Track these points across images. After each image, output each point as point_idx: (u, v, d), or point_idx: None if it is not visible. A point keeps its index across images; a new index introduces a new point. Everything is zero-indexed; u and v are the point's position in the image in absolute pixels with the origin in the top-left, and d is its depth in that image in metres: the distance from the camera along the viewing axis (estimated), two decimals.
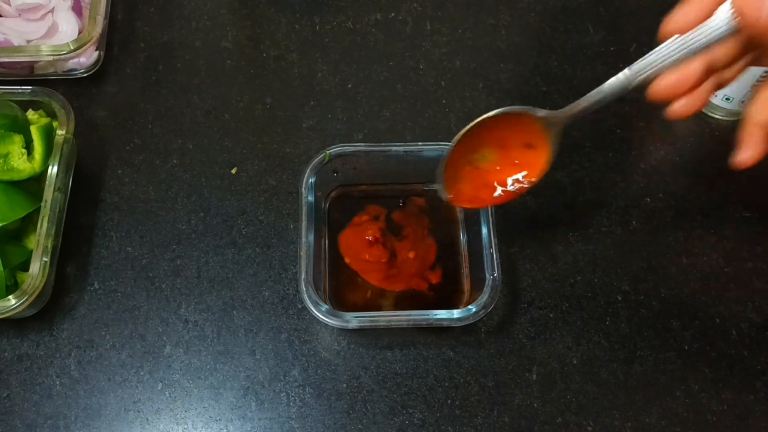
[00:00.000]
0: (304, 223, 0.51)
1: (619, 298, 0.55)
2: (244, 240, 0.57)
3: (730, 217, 0.58)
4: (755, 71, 0.56)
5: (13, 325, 0.53)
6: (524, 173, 0.47)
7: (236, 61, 0.65)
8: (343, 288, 0.54)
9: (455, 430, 0.51)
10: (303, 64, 0.65)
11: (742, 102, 0.60)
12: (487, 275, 0.50)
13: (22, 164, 0.53)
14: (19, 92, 0.56)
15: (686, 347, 0.53)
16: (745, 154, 0.39)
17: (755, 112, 0.38)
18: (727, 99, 0.60)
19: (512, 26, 0.67)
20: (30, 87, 0.56)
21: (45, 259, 0.50)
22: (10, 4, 0.62)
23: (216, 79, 0.64)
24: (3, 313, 0.49)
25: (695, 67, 0.39)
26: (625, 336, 0.54)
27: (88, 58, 0.62)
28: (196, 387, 0.52)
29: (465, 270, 0.55)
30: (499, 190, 0.48)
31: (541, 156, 0.46)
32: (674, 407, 0.51)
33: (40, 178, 0.54)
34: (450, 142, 0.55)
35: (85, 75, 0.63)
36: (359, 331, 0.54)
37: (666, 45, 0.39)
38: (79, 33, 0.62)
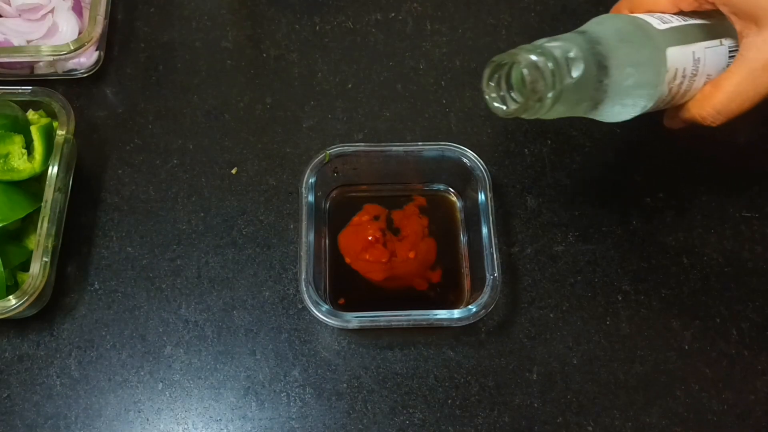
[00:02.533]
0: (304, 223, 0.52)
1: (619, 298, 0.55)
2: (244, 240, 0.57)
3: (730, 217, 0.58)
4: None
5: (14, 325, 0.54)
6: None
7: (236, 61, 0.65)
8: (343, 288, 0.54)
9: (455, 430, 0.51)
10: (303, 64, 0.65)
11: None
12: (487, 275, 0.50)
13: (22, 164, 0.53)
14: (19, 92, 0.56)
15: (686, 347, 0.53)
16: (670, 125, 0.50)
17: (690, 105, 0.47)
18: None
19: (512, 26, 0.67)
20: (30, 87, 0.56)
21: (45, 259, 0.50)
22: (10, 4, 0.62)
23: (216, 79, 0.64)
24: (3, 314, 0.49)
25: None
26: (625, 336, 0.54)
27: (88, 58, 0.62)
28: (197, 387, 0.52)
29: (465, 270, 0.55)
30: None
31: None
32: (674, 407, 0.51)
33: (40, 178, 0.54)
34: (450, 142, 0.55)
35: (85, 75, 0.63)
36: (359, 331, 0.54)
37: None
38: (79, 33, 0.62)
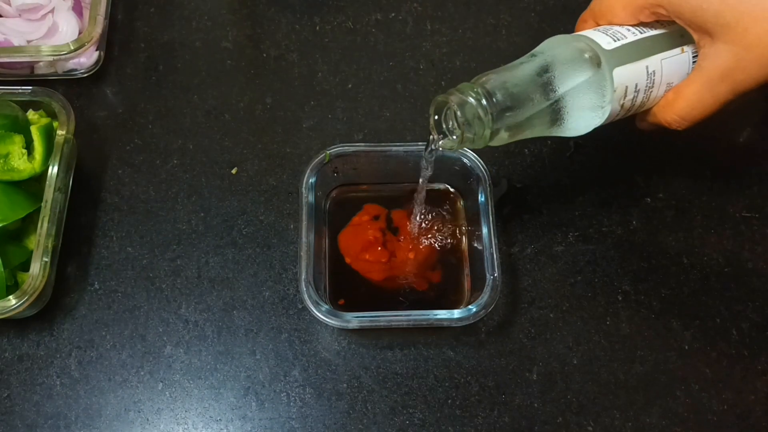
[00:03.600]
0: (304, 223, 0.52)
1: (619, 298, 0.55)
2: (245, 240, 0.57)
3: (730, 217, 0.58)
4: None
5: (14, 325, 0.54)
6: None
7: (236, 61, 0.65)
8: (343, 288, 0.54)
9: (455, 430, 0.51)
10: (303, 64, 0.65)
11: None
12: (487, 275, 0.50)
13: (22, 164, 0.53)
14: (19, 92, 0.56)
15: (686, 347, 0.53)
16: (641, 126, 0.51)
17: (656, 111, 0.48)
18: None
19: (512, 26, 0.67)
20: (30, 87, 0.56)
21: (45, 259, 0.50)
22: (10, 4, 0.62)
23: (216, 79, 0.64)
24: (3, 313, 0.49)
25: None
26: (625, 336, 0.54)
27: (88, 58, 0.62)
28: (197, 387, 0.52)
29: (465, 270, 0.55)
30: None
31: None
32: (674, 407, 0.51)
33: (40, 178, 0.54)
34: None
35: (86, 75, 0.63)
36: (359, 331, 0.54)
37: None
38: (79, 33, 0.62)
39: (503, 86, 0.43)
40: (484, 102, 0.42)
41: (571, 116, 0.45)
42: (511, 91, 0.43)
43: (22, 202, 0.52)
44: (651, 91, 0.46)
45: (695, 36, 0.44)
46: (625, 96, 0.45)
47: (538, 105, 0.43)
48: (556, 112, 0.44)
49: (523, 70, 0.44)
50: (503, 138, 0.44)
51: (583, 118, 0.45)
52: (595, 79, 0.44)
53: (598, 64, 0.44)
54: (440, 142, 0.46)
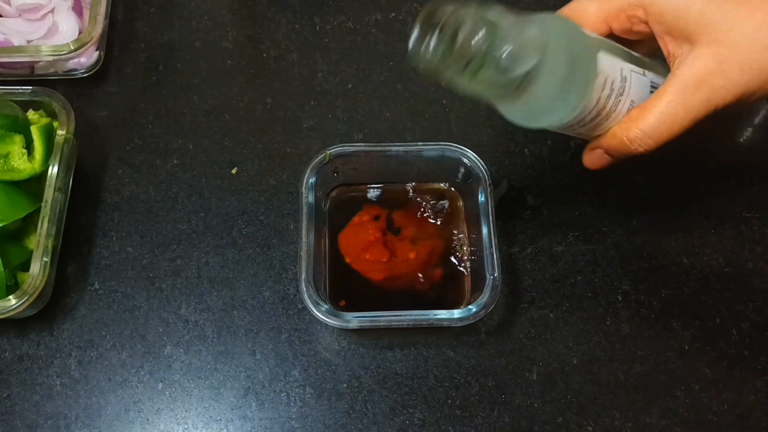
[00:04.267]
0: (304, 223, 0.52)
1: (619, 298, 0.55)
2: (245, 240, 0.57)
3: (730, 217, 0.58)
4: None
5: (14, 325, 0.54)
6: None
7: (236, 61, 0.65)
8: (343, 288, 0.54)
9: (455, 430, 0.51)
10: (303, 64, 0.65)
11: None
12: (487, 275, 0.50)
13: (22, 164, 0.53)
14: (19, 92, 0.56)
15: (686, 347, 0.53)
16: (588, 160, 0.49)
17: (616, 129, 0.44)
18: None
19: None
20: (30, 87, 0.56)
21: (45, 259, 0.50)
22: (10, 4, 0.62)
23: (216, 79, 0.64)
24: (3, 313, 0.49)
25: None
26: (625, 336, 0.54)
27: (88, 58, 0.62)
28: (197, 387, 0.52)
29: (465, 270, 0.55)
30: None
31: None
32: (674, 407, 0.51)
33: (40, 178, 0.54)
34: (450, 142, 0.55)
35: (86, 75, 0.63)
36: (359, 331, 0.54)
37: None
38: (80, 33, 0.62)
39: (505, 25, 0.40)
40: (482, 25, 0.39)
41: (552, 86, 0.41)
42: (510, 33, 0.40)
43: (22, 202, 0.52)
44: (619, 100, 0.44)
45: (671, 45, 0.42)
46: (603, 89, 0.43)
47: (527, 59, 0.40)
48: (539, 72, 0.41)
49: (522, 23, 0.41)
50: (478, 86, 0.41)
51: (564, 92, 0.42)
52: (582, 54, 0.42)
53: (587, 44, 0.42)
54: (425, 46, 0.41)
